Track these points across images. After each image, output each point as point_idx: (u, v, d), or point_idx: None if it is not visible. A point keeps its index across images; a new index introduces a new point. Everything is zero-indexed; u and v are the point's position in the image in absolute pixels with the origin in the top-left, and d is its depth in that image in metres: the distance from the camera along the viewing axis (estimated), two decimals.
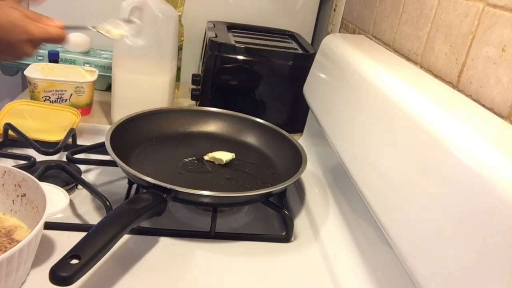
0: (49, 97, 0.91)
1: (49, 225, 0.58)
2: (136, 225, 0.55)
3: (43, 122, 0.83)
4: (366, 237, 0.61)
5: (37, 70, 0.91)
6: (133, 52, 0.86)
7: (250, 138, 0.82)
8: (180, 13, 1.06)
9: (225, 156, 0.73)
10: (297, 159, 0.70)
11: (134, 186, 0.67)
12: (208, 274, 0.56)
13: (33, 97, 0.91)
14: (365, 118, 0.60)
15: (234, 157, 0.75)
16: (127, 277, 0.53)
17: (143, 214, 0.53)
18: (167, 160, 0.73)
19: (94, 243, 0.46)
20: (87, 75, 0.95)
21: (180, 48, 1.07)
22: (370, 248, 0.59)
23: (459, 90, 0.59)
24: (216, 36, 0.96)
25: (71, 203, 0.65)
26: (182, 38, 1.07)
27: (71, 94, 0.91)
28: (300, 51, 0.99)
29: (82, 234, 0.59)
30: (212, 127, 0.84)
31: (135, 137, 0.75)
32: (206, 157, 0.74)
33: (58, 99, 0.91)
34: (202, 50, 1.07)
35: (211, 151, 0.75)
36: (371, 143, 0.57)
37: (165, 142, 0.76)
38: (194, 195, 0.59)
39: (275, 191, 0.63)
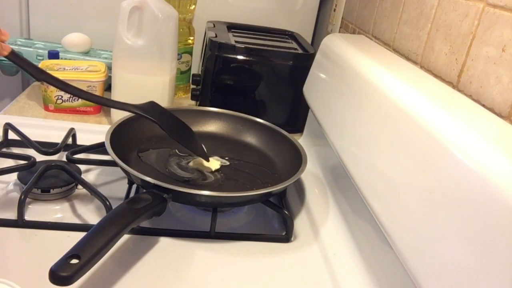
0: (62, 96, 0.92)
1: (49, 225, 0.58)
2: (136, 225, 0.55)
3: None
4: (366, 237, 0.61)
5: (47, 69, 0.91)
6: (133, 52, 0.86)
7: (250, 138, 0.82)
8: (191, 17, 1.06)
9: (213, 165, 0.72)
10: (297, 159, 0.70)
11: (134, 186, 0.67)
12: (208, 274, 0.56)
13: (45, 97, 0.92)
14: (365, 118, 0.60)
15: (223, 164, 0.74)
16: (127, 277, 0.53)
17: (143, 214, 0.53)
18: (167, 159, 0.73)
19: (94, 243, 0.46)
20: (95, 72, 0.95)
21: (189, 52, 1.07)
22: (370, 248, 0.59)
23: (459, 90, 0.59)
24: (216, 36, 0.96)
25: (71, 203, 0.65)
26: (191, 42, 1.06)
27: None
28: (300, 51, 0.99)
29: (82, 234, 0.59)
30: (212, 127, 0.83)
31: (135, 137, 0.75)
32: (191, 164, 0.72)
33: (70, 98, 0.92)
34: (202, 50, 1.07)
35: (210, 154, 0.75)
36: (371, 143, 0.57)
37: (165, 142, 0.76)
38: (194, 195, 0.59)
39: (275, 191, 0.63)
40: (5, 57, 0.56)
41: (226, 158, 0.76)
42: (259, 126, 0.82)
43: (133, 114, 0.75)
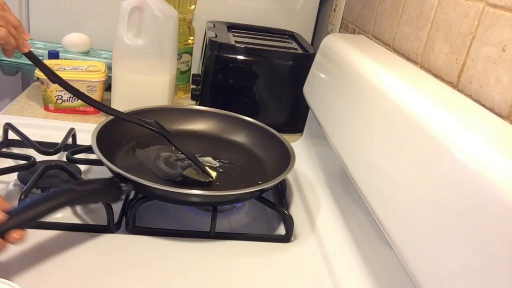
0: (62, 96, 0.91)
1: (49, 225, 0.58)
2: (76, 204, 0.58)
3: None
4: (366, 237, 0.61)
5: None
6: (133, 52, 0.86)
7: (238, 137, 0.81)
8: (191, 17, 1.06)
9: (204, 177, 0.70)
10: (285, 159, 0.70)
11: None
12: (208, 274, 0.56)
13: (45, 97, 0.92)
14: (365, 118, 0.60)
15: (213, 165, 0.73)
16: (127, 277, 0.53)
17: (85, 196, 0.55)
18: (159, 155, 0.73)
19: (16, 219, 0.47)
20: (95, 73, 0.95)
21: (189, 52, 1.07)
22: (370, 248, 0.59)
23: (459, 90, 0.59)
24: (216, 36, 0.96)
25: None
26: (191, 42, 1.06)
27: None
28: (300, 51, 0.99)
29: (82, 234, 0.59)
30: (201, 125, 0.83)
31: (125, 134, 0.74)
32: (185, 173, 0.70)
33: (71, 98, 0.92)
34: (202, 50, 1.07)
35: (200, 156, 0.75)
36: (371, 143, 0.57)
37: (159, 140, 0.75)
38: (150, 188, 0.58)
39: (266, 187, 0.62)
40: (24, 54, 0.59)
41: (217, 160, 0.75)
42: (247, 124, 0.81)
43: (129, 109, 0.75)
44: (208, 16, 1.15)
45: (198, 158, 0.74)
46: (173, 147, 0.75)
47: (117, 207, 0.62)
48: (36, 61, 0.60)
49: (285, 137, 0.76)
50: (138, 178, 0.58)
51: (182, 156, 0.74)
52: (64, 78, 0.88)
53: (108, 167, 0.60)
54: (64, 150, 0.74)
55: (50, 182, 0.65)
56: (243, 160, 0.76)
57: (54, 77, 0.62)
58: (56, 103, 0.92)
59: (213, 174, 0.71)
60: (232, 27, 1.10)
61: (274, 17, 1.18)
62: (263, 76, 0.96)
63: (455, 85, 0.60)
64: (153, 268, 0.55)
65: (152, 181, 0.59)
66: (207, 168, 0.70)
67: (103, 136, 0.68)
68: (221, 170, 0.73)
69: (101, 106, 0.66)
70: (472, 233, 0.37)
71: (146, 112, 0.78)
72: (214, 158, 0.76)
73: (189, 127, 0.82)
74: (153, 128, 0.67)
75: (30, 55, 0.60)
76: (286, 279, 0.57)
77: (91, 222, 0.61)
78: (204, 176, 0.69)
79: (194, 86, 1.00)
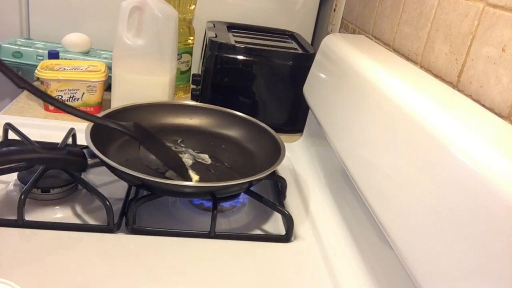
0: (62, 96, 0.91)
1: (49, 225, 0.58)
2: (37, 164, 0.62)
3: None
4: (366, 237, 0.61)
5: (47, 69, 0.91)
6: (133, 52, 0.86)
7: (228, 131, 0.81)
8: (191, 17, 1.06)
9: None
10: (275, 152, 0.69)
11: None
12: (208, 274, 0.56)
13: None
14: (365, 118, 0.60)
15: (205, 162, 0.74)
16: (126, 277, 0.53)
17: (48, 159, 0.58)
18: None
19: None
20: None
21: (189, 52, 1.07)
22: (370, 248, 0.59)
23: (459, 90, 0.59)
24: (216, 36, 0.96)
25: (71, 203, 0.65)
26: (191, 42, 1.06)
27: (83, 93, 0.92)
28: (300, 51, 0.99)
29: (82, 234, 0.59)
30: (199, 121, 0.83)
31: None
32: (167, 174, 0.69)
33: (71, 98, 0.92)
34: (202, 50, 1.07)
35: (199, 152, 0.76)
36: (371, 143, 0.57)
37: (161, 134, 0.75)
38: (117, 170, 0.59)
39: (254, 179, 0.62)
40: None
41: (212, 158, 0.75)
42: (239, 119, 0.81)
43: (132, 104, 0.76)
44: (208, 16, 1.15)
45: (195, 154, 0.75)
46: (178, 140, 0.78)
47: (117, 207, 0.62)
48: (2, 67, 0.60)
49: (285, 137, 0.76)
50: (107, 159, 0.59)
51: (181, 149, 0.75)
52: (64, 78, 0.89)
53: (105, 162, 0.60)
54: None
55: (50, 182, 0.65)
56: (238, 161, 0.76)
57: (20, 82, 0.61)
58: None
59: (195, 178, 0.70)
60: (232, 27, 1.10)
61: (274, 17, 1.19)
62: (263, 76, 0.96)
63: (455, 85, 0.60)
64: (153, 268, 0.55)
65: (143, 172, 0.59)
66: (190, 172, 0.71)
67: (97, 132, 0.68)
68: (210, 169, 0.73)
69: (74, 111, 0.65)
70: (472, 233, 0.37)
71: (142, 108, 0.79)
72: (210, 157, 0.76)
73: (187, 123, 0.82)
74: (127, 132, 0.66)
75: None
76: (286, 279, 0.57)
77: (91, 222, 0.61)
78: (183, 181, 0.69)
79: (194, 86, 1.00)
